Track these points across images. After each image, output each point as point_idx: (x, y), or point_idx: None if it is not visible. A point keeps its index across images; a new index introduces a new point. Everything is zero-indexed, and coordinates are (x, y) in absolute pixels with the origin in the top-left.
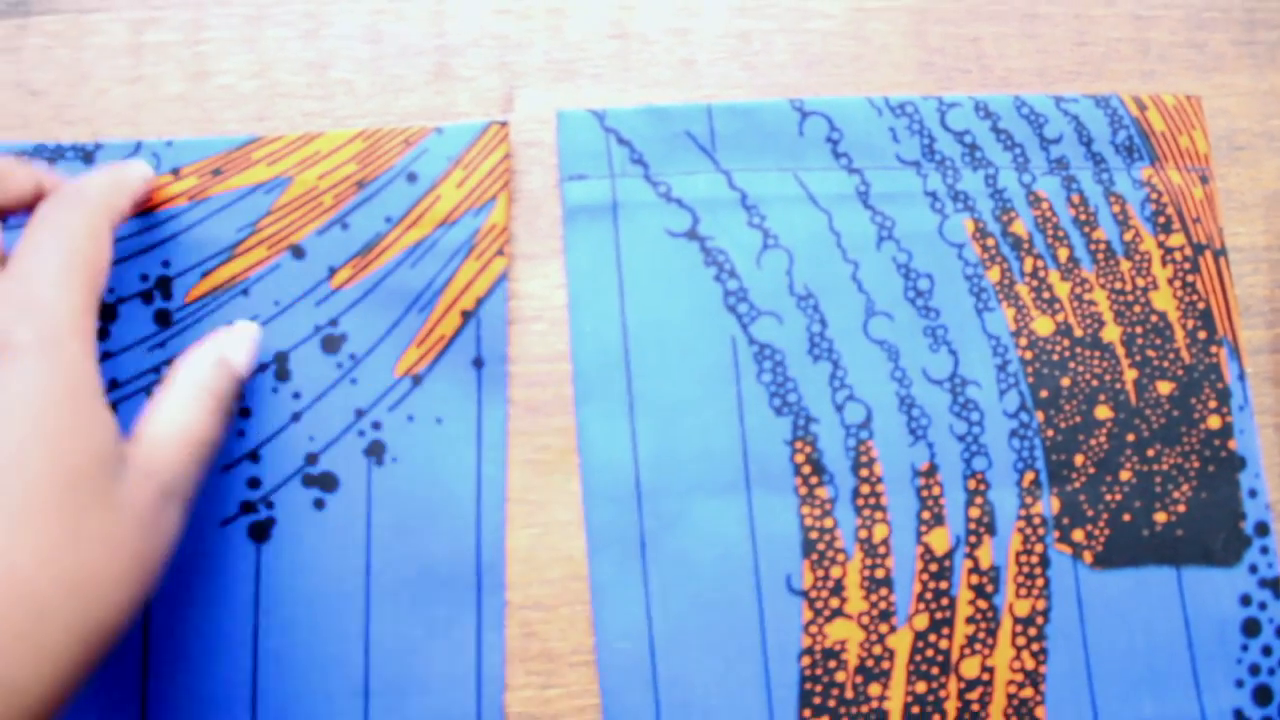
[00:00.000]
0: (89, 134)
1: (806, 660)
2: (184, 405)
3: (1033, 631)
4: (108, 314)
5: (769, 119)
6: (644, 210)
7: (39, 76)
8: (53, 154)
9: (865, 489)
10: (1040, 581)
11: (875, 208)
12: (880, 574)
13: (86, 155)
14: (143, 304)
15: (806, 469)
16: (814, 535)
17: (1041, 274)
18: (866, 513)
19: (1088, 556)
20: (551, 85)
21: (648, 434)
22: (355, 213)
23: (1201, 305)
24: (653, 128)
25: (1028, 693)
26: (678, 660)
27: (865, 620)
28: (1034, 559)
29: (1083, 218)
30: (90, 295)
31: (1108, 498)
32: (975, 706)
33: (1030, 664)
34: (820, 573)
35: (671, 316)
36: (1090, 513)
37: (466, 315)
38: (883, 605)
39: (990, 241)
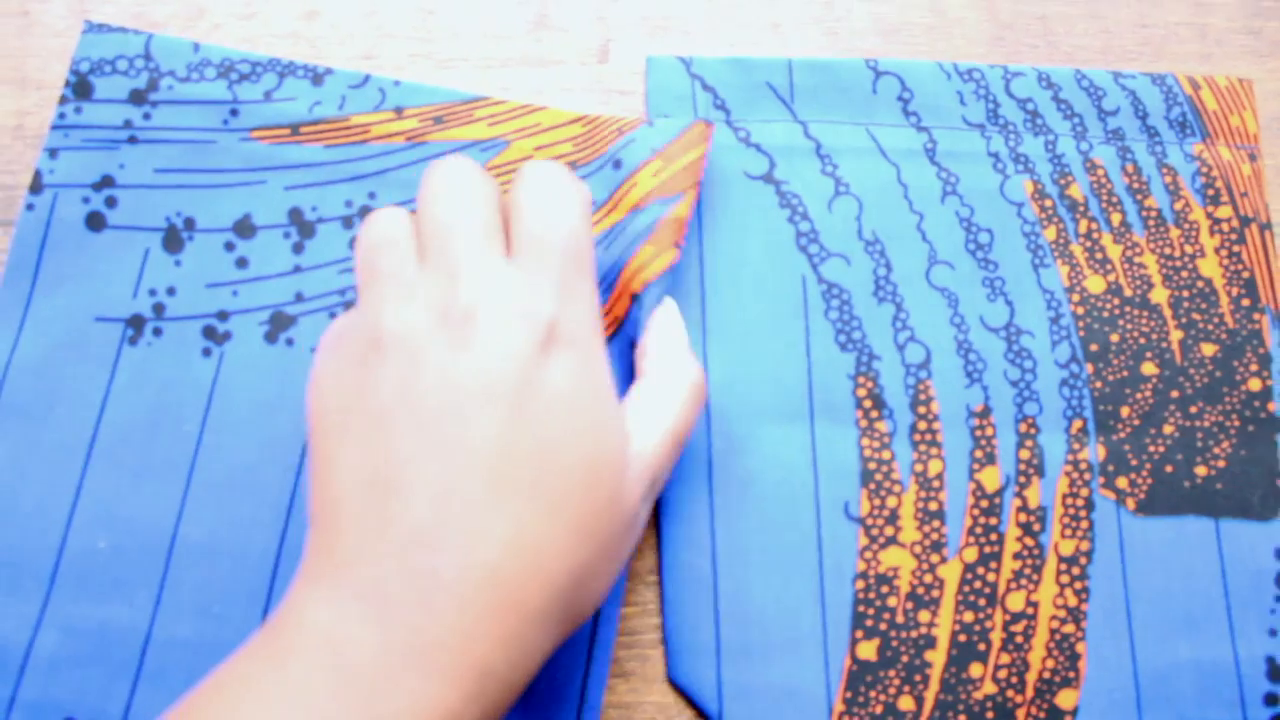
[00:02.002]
0: None
1: (860, 584)
2: (670, 399)
3: (1076, 570)
4: (306, 230)
5: (845, 76)
6: (724, 152)
7: (156, 9)
8: (284, 70)
9: (922, 425)
10: (1085, 524)
11: (941, 164)
12: (933, 506)
13: (316, 77)
14: (343, 227)
15: (868, 403)
16: (872, 466)
17: (1095, 235)
18: (923, 448)
19: (1130, 503)
20: (645, 40)
21: (719, 361)
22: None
23: (1246, 274)
24: (736, 76)
25: (1069, 628)
26: (739, 575)
27: (918, 549)
28: (1079, 502)
29: (1136, 186)
30: (591, 268)
31: (1151, 449)
32: (1019, 638)
33: (1073, 601)
34: (877, 501)
35: (746, 253)
36: (1134, 462)
37: (634, 298)
38: (935, 536)
39: (1048, 202)
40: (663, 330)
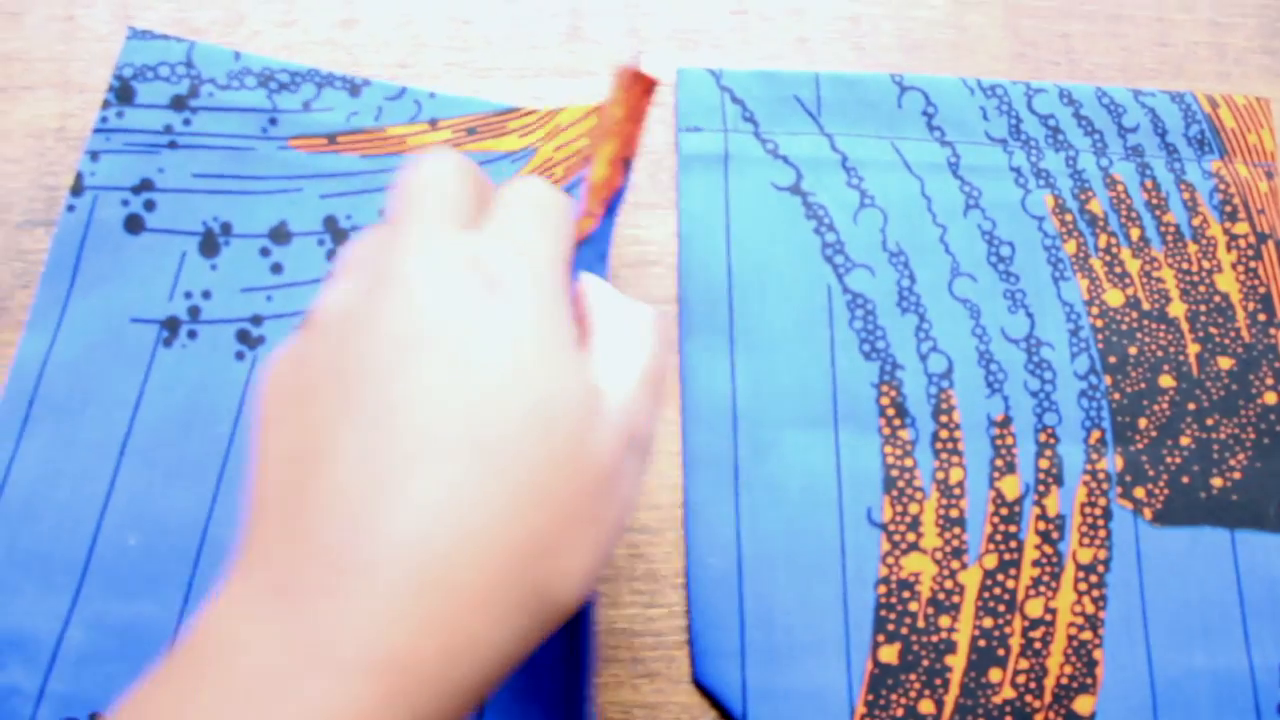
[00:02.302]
0: None
1: (882, 589)
2: (638, 340)
3: (1094, 579)
4: (340, 237)
5: (871, 90)
6: (752, 164)
7: (198, 16)
8: (322, 80)
9: (944, 434)
10: (1103, 532)
11: (964, 178)
12: (954, 514)
13: (354, 88)
14: None
15: (891, 411)
16: (895, 473)
17: (1114, 250)
18: (944, 456)
19: (1147, 513)
20: (676, 52)
21: (746, 368)
22: (580, 186)
23: (1263, 290)
24: (764, 89)
25: (1086, 635)
26: (763, 578)
27: (939, 556)
28: (1097, 511)
29: (1154, 201)
30: (568, 251)
31: (1168, 460)
32: (1037, 644)
33: (1090, 609)
34: (899, 508)
35: (773, 262)
36: (1151, 472)
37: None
38: (955, 543)
39: (1068, 217)
40: (594, 287)
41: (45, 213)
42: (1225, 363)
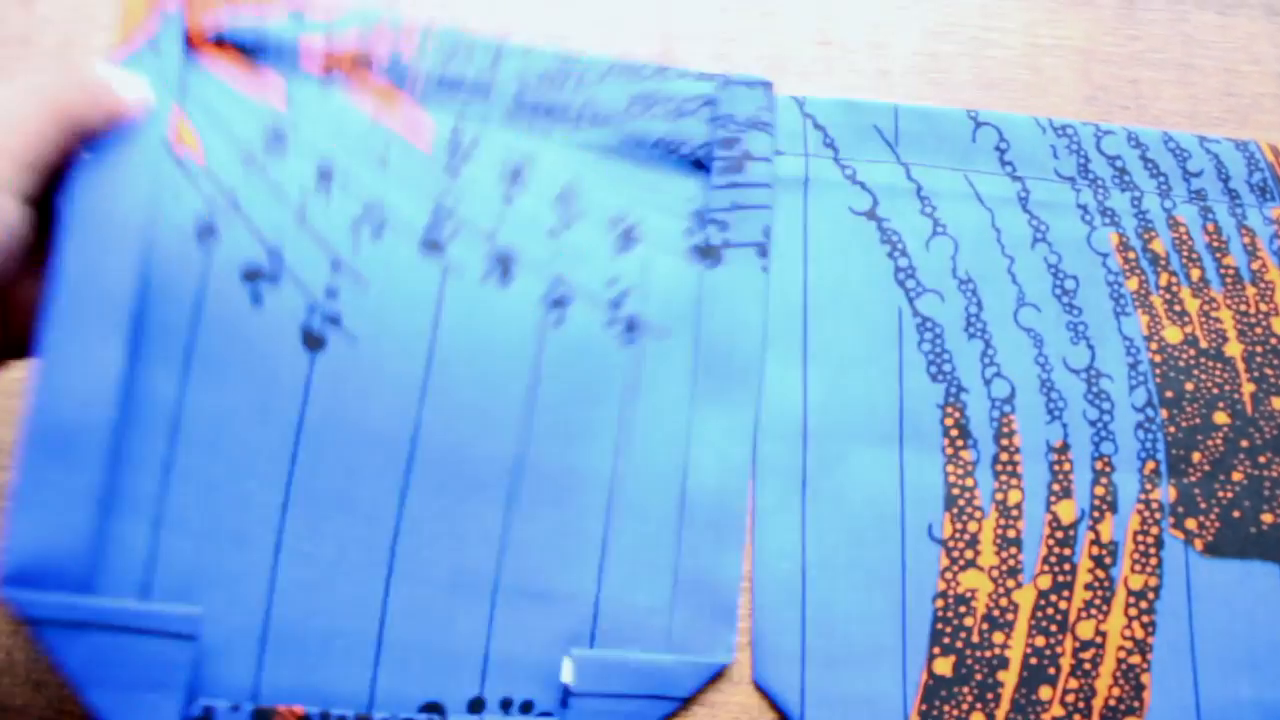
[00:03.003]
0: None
1: (940, 603)
2: (40, 96)
3: (1144, 605)
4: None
5: (947, 124)
6: (831, 188)
7: None
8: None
9: (1004, 456)
10: (1154, 560)
11: (1033, 212)
12: (1011, 534)
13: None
14: None
15: (954, 432)
16: (956, 492)
17: (1175, 289)
18: (1004, 478)
19: (1198, 544)
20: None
21: (818, 383)
22: None
23: None
24: (845, 117)
25: (1135, 659)
26: (826, 586)
27: (995, 574)
28: (1149, 539)
29: (1215, 244)
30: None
31: (1220, 494)
32: (1087, 665)
33: (1140, 634)
34: (959, 525)
35: (848, 283)
36: (1203, 505)
37: None
38: (1011, 562)
39: (1131, 255)
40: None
41: None
42: (1279, 403)
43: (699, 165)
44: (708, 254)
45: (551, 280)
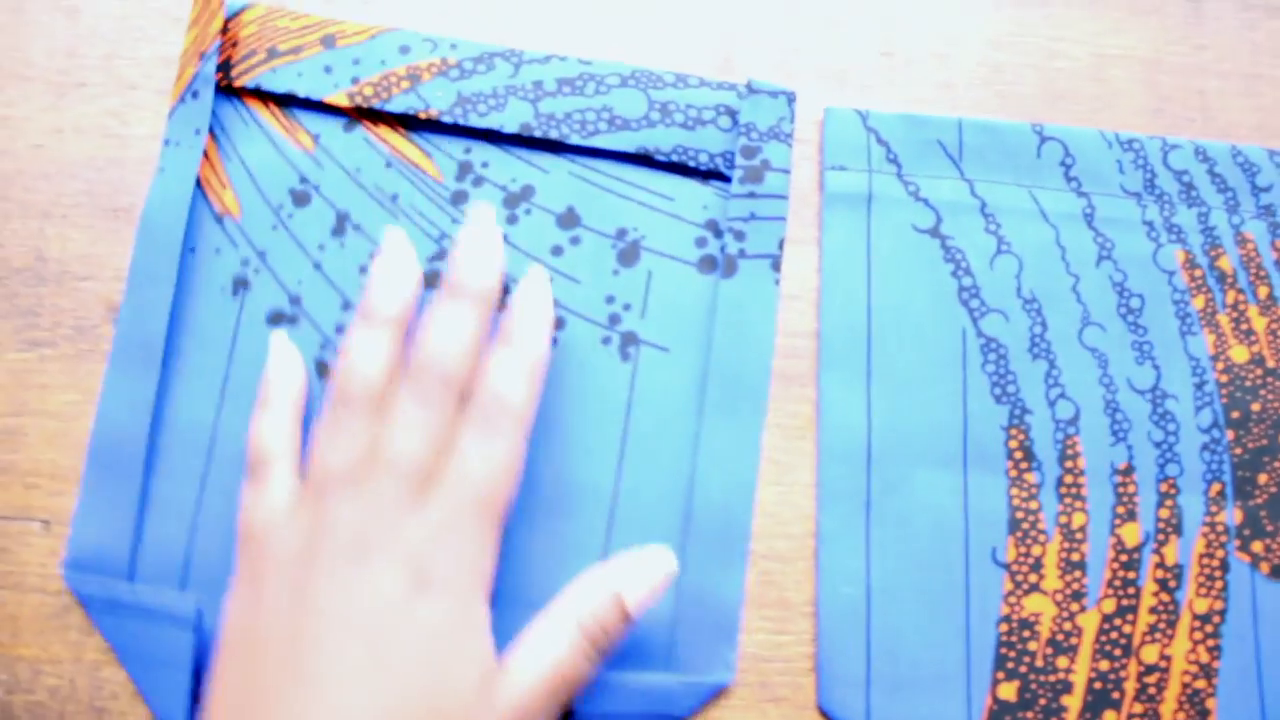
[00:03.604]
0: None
1: (1004, 627)
2: (560, 652)
3: (1209, 629)
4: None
5: (1011, 139)
6: (894, 205)
7: None
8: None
9: (1069, 479)
10: (1219, 584)
11: (1098, 229)
12: (1075, 557)
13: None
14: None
15: (1018, 454)
16: (1020, 515)
17: (1242, 307)
18: (1068, 500)
19: (1265, 567)
20: (823, 90)
21: (881, 405)
22: None
23: None
24: (908, 132)
25: (1201, 684)
26: (890, 610)
27: (1059, 597)
28: (1215, 563)
29: None
30: (498, 538)
31: None
32: (1152, 690)
33: (1205, 658)
34: (1023, 549)
35: (911, 303)
36: (1270, 528)
37: None
38: (1075, 586)
39: (1198, 272)
40: (608, 569)
41: None
42: None
43: (713, 175)
44: (721, 264)
45: None
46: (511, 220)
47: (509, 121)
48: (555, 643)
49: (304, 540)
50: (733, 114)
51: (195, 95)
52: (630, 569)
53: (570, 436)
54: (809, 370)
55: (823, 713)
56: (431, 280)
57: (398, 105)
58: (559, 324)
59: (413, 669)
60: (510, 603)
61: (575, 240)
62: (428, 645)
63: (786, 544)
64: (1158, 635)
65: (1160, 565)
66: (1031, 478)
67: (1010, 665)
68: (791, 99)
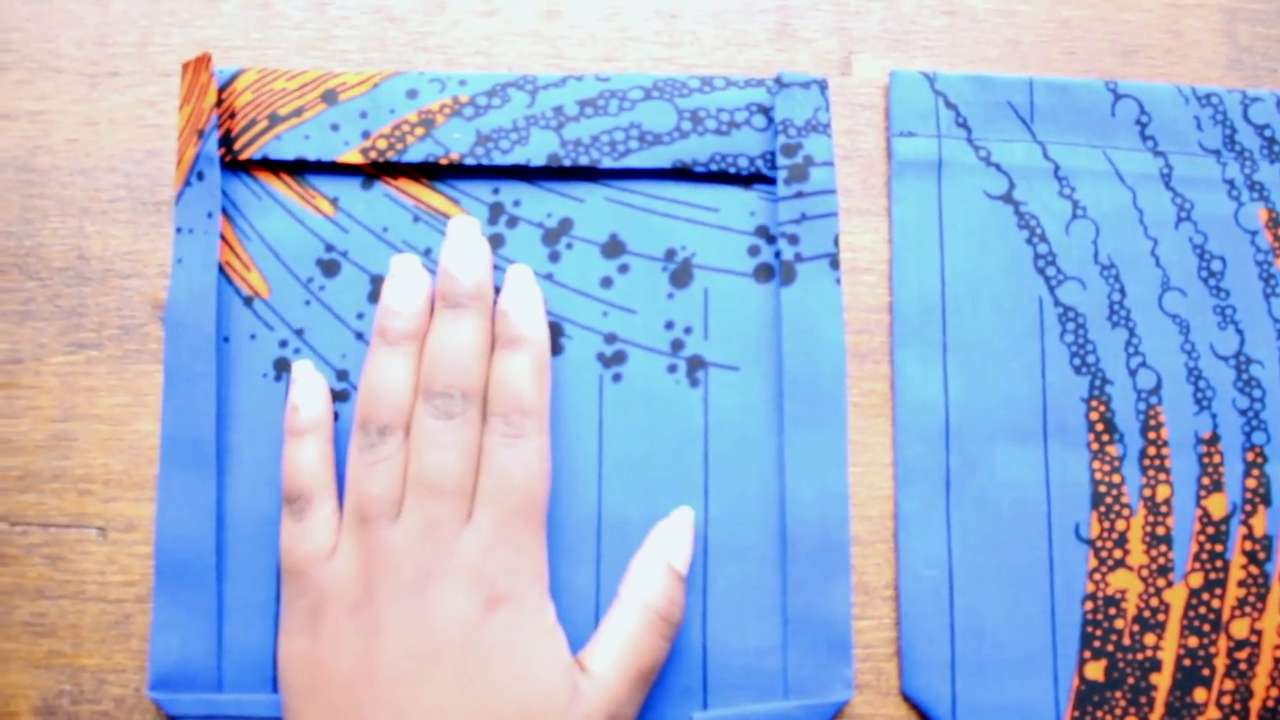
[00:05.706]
0: (443, 62)
1: (1089, 605)
2: (635, 634)
3: None
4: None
5: (1084, 97)
6: (965, 171)
7: (397, 4)
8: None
9: (1152, 450)
10: None
11: (1176, 190)
12: (1161, 531)
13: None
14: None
15: (1100, 426)
16: (1103, 489)
17: None
18: (1151, 473)
19: None
20: (885, 53)
21: (958, 379)
22: None
23: None
24: (977, 94)
25: None
26: (973, 592)
27: (1145, 573)
28: None
29: None
30: (545, 537)
31: None
32: (1243, 665)
33: None
34: (1106, 524)
35: (986, 273)
36: None
37: None
38: (1162, 561)
39: None
40: (651, 545)
41: None
42: None
43: (755, 179)
44: (779, 271)
45: (604, 337)
46: (554, 258)
47: (535, 154)
48: (630, 628)
49: (358, 573)
50: (766, 112)
51: (201, 177)
52: (667, 536)
53: (653, 474)
54: (882, 346)
55: (906, 698)
56: None
57: (415, 154)
58: (621, 359)
59: (500, 684)
60: None
61: (624, 269)
62: (509, 658)
63: (864, 526)
64: (1247, 609)
65: (1248, 537)
66: (1114, 450)
67: (1097, 644)
68: (824, 87)
